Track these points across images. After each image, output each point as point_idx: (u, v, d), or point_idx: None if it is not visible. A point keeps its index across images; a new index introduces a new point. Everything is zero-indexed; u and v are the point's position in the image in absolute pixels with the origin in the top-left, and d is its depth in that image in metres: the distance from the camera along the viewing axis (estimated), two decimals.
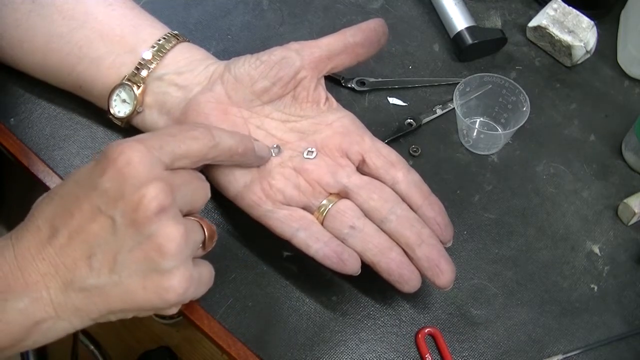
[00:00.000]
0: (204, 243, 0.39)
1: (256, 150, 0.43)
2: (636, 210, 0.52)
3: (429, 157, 0.55)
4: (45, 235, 0.35)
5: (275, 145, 0.46)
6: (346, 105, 0.50)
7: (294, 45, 0.46)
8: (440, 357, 0.46)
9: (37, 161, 0.50)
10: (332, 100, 0.49)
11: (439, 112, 0.57)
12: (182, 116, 0.45)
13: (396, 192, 0.45)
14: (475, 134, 0.55)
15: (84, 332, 1.06)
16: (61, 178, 0.49)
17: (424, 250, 0.43)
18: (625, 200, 0.53)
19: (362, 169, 0.46)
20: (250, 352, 0.44)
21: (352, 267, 0.42)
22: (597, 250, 0.52)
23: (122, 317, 0.37)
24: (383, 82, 0.58)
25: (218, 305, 0.46)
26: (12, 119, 0.51)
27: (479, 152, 0.55)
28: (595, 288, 0.50)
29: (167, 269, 0.35)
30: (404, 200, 0.45)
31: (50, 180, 0.49)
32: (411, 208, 0.45)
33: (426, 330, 0.46)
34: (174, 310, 0.39)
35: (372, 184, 0.45)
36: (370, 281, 0.47)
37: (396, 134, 0.55)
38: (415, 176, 0.46)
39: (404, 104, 0.57)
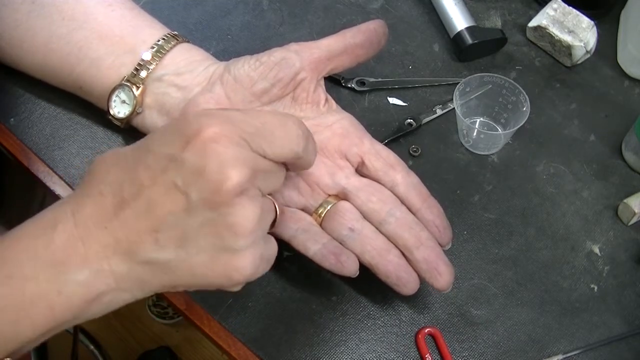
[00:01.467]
0: (274, 221, 0.38)
1: (312, 160, 0.41)
2: (636, 210, 0.52)
3: (429, 157, 0.55)
4: (110, 204, 0.33)
5: None
6: (346, 105, 0.50)
7: (293, 46, 0.46)
8: (440, 357, 0.46)
9: (37, 161, 0.50)
10: (332, 101, 0.49)
11: (439, 112, 0.57)
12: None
13: (395, 195, 0.45)
14: (475, 134, 0.55)
15: (84, 332, 1.06)
16: (61, 178, 0.49)
17: (422, 253, 0.43)
18: (625, 200, 0.53)
19: (361, 170, 0.46)
20: (250, 352, 0.44)
21: (350, 268, 0.42)
22: (597, 250, 0.52)
23: (185, 289, 0.36)
24: (383, 82, 0.58)
25: (218, 305, 0.46)
26: (12, 119, 0.51)
27: (479, 152, 0.56)
28: (595, 288, 0.50)
29: (239, 249, 0.34)
30: (402, 202, 0.45)
31: (50, 180, 0.49)
32: (410, 210, 0.45)
33: (426, 330, 0.46)
34: (238, 288, 0.37)
35: (371, 186, 0.45)
36: (370, 281, 0.47)
37: (396, 134, 0.55)
38: (414, 178, 0.46)
39: (404, 104, 0.57)
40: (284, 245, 0.46)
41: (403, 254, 0.43)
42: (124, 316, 1.30)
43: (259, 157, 0.35)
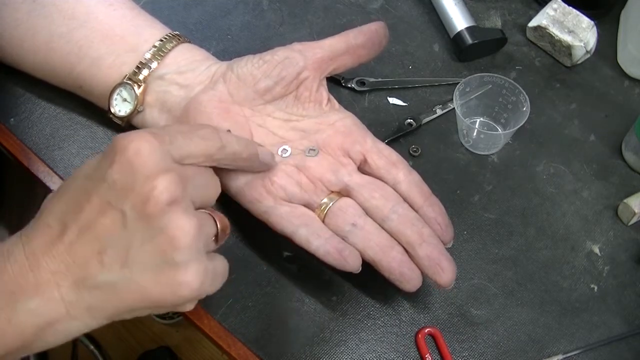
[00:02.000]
0: (216, 236, 0.39)
1: (260, 156, 0.43)
2: (636, 210, 0.52)
3: (429, 157, 0.55)
4: (55, 233, 0.34)
5: (283, 147, 0.46)
6: (346, 105, 0.50)
7: (297, 45, 0.47)
8: (440, 357, 0.46)
9: (37, 161, 0.50)
10: (334, 101, 0.49)
11: (439, 112, 0.57)
12: (184, 115, 0.46)
13: (397, 192, 0.45)
14: (475, 134, 0.55)
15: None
16: (61, 178, 0.49)
17: (425, 249, 0.43)
18: (625, 200, 0.53)
19: (363, 168, 0.47)
20: (250, 352, 0.44)
21: (353, 264, 0.42)
22: (597, 250, 0.52)
23: (138, 314, 0.36)
24: (383, 82, 0.58)
25: (218, 305, 0.46)
26: (12, 119, 0.51)
27: (479, 152, 0.55)
28: (595, 288, 0.50)
29: (181, 263, 0.34)
30: (405, 200, 0.45)
31: (50, 180, 0.49)
32: (412, 208, 0.45)
33: (426, 330, 0.46)
34: (190, 307, 0.37)
35: (374, 183, 0.45)
36: (370, 281, 0.47)
37: (396, 134, 0.55)
38: (416, 176, 0.46)
39: (404, 104, 0.57)
40: (284, 245, 0.46)
41: (406, 251, 0.43)
42: None
43: (183, 165, 0.36)
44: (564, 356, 0.47)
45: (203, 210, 0.38)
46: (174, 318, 1.29)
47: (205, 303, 0.46)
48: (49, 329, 0.34)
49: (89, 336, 1.06)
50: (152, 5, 0.59)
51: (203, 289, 0.35)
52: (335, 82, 0.57)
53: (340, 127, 0.47)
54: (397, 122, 0.56)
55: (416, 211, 0.45)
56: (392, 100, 0.57)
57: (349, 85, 0.57)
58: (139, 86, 0.46)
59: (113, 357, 1.11)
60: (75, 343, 0.87)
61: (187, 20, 0.59)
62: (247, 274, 0.47)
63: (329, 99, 0.49)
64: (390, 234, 0.44)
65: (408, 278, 0.43)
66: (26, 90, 0.52)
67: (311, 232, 0.43)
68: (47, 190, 0.50)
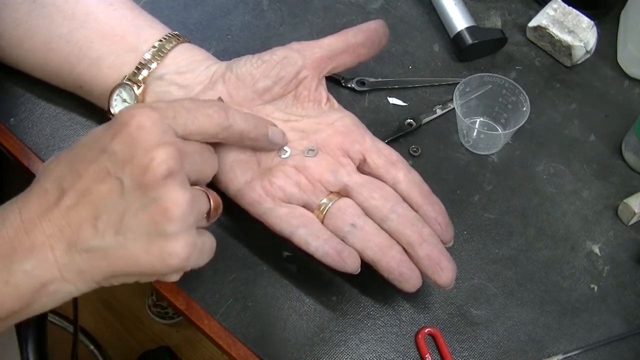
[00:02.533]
0: (208, 214, 0.40)
1: (270, 135, 0.44)
2: (636, 210, 0.52)
3: (429, 157, 0.55)
4: (53, 197, 0.36)
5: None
6: (346, 105, 0.50)
7: (295, 45, 0.47)
8: (440, 357, 0.46)
9: (37, 161, 0.50)
10: (333, 100, 0.49)
11: (439, 112, 0.57)
12: None
13: (397, 192, 0.45)
14: (475, 134, 0.55)
15: (84, 332, 1.06)
16: None
17: (425, 249, 0.43)
18: (625, 200, 0.53)
19: (362, 168, 0.47)
20: (250, 352, 0.44)
21: (352, 265, 0.42)
22: (597, 250, 0.52)
23: (125, 281, 0.37)
24: (383, 82, 0.58)
25: (218, 305, 0.46)
26: (12, 119, 0.51)
27: (479, 152, 0.56)
28: (595, 288, 0.50)
29: (171, 234, 0.35)
30: (404, 200, 0.45)
31: None
32: (412, 208, 0.45)
33: (426, 330, 0.46)
34: (175, 278, 0.39)
35: (373, 183, 0.45)
36: (370, 281, 0.47)
37: (396, 134, 0.55)
38: (415, 176, 0.46)
39: (404, 104, 0.57)
40: (283, 245, 0.46)
41: (405, 251, 0.43)
42: (124, 316, 1.30)
43: (184, 140, 0.38)
44: (564, 356, 0.47)
45: (198, 188, 0.39)
46: (174, 318, 1.29)
47: (205, 303, 0.46)
48: (43, 290, 0.35)
49: (89, 336, 1.06)
50: (152, 5, 0.59)
51: (190, 261, 0.37)
52: (335, 82, 0.57)
53: (340, 127, 0.47)
54: (397, 122, 0.56)
55: (416, 211, 0.45)
56: (392, 100, 0.57)
57: (349, 85, 0.57)
58: (139, 87, 0.46)
59: (113, 357, 1.11)
60: (75, 342, 0.87)
61: (187, 20, 0.59)
62: (247, 274, 0.47)
63: (328, 98, 0.48)
64: (390, 234, 0.44)
65: (407, 278, 0.43)
66: (26, 90, 0.52)
67: (310, 233, 0.43)
68: None
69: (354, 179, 0.45)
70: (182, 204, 0.35)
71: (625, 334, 0.48)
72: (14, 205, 0.36)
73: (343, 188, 0.45)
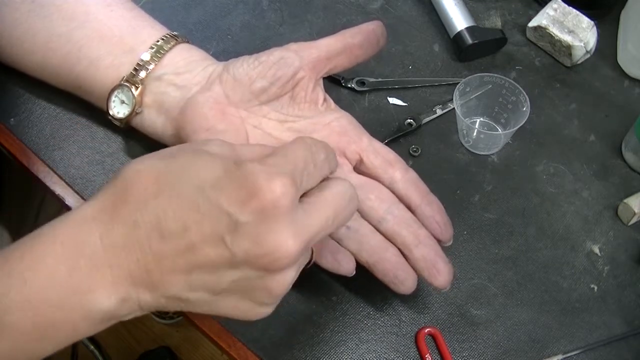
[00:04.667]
0: (309, 260, 0.39)
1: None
2: (636, 210, 0.52)
3: (429, 157, 0.55)
4: (145, 237, 0.32)
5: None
6: (346, 105, 0.50)
7: (292, 46, 0.46)
8: (440, 357, 0.46)
9: (37, 161, 0.50)
10: (330, 101, 0.49)
11: (439, 112, 0.57)
12: (180, 115, 0.45)
13: (394, 192, 0.45)
14: (475, 134, 0.55)
15: None
16: (61, 178, 0.49)
17: (421, 251, 0.43)
18: (625, 200, 0.53)
19: (359, 168, 0.46)
20: (250, 352, 0.44)
21: (347, 267, 0.42)
22: (597, 250, 0.52)
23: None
24: (383, 82, 0.58)
25: None
26: (12, 119, 0.51)
27: (479, 152, 0.55)
28: (595, 288, 0.50)
29: (266, 304, 0.35)
30: (402, 199, 0.45)
31: (50, 180, 0.49)
32: (409, 207, 0.45)
33: (426, 330, 0.46)
34: None
35: (370, 184, 0.45)
36: (370, 281, 0.47)
37: (396, 134, 0.55)
38: (413, 175, 0.46)
39: (404, 104, 0.57)
40: None
41: (402, 253, 0.43)
42: None
43: (312, 218, 0.34)
44: (564, 356, 0.47)
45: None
46: (174, 318, 1.29)
47: None
48: (117, 319, 0.34)
49: (89, 336, 1.06)
50: (152, 5, 0.59)
51: None
52: (335, 82, 0.57)
53: (336, 127, 0.47)
54: (397, 122, 0.56)
55: (413, 210, 0.45)
56: (392, 100, 0.57)
57: (349, 85, 0.57)
58: (137, 88, 0.46)
59: (113, 357, 1.11)
60: (75, 343, 0.87)
61: (187, 20, 0.59)
62: None
63: (325, 99, 0.48)
64: (386, 236, 0.44)
65: (402, 280, 0.43)
66: (26, 90, 0.52)
67: None
68: (46, 190, 0.50)
69: (350, 180, 0.45)
70: (289, 285, 0.34)
71: (625, 334, 0.48)
72: (94, 231, 0.32)
73: None
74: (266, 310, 0.35)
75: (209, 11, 0.61)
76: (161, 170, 0.33)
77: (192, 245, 0.31)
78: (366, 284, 0.47)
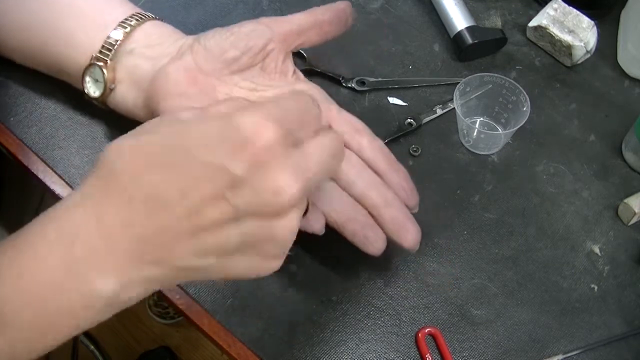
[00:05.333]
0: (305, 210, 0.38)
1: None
2: (636, 210, 0.52)
3: (429, 157, 0.55)
4: (142, 210, 0.30)
5: None
6: (346, 105, 0.50)
7: (264, 19, 0.47)
8: (440, 357, 0.46)
9: (37, 160, 0.50)
10: (300, 74, 0.50)
11: (439, 112, 0.57)
12: (151, 86, 0.46)
13: (362, 159, 0.46)
14: (475, 133, 0.55)
15: (84, 332, 1.06)
16: (61, 177, 0.49)
17: (390, 212, 0.43)
18: (625, 200, 0.53)
19: None
20: (250, 352, 0.44)
21: (317, 226, 0.43)
22: (597, 250, 0.52)
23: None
24: (383, 82, 0.58)
25: (218, 305, 0.46)
26: (12, 119, 0.51)
27: (479, 152, 0.55)
28: (595, 288, 0.50)
29: (275, 255, 0.34)
30: (369, 166, 0.46)
31: (50, 179, 0.49)
32: (377, 174, 0.45)
33: (426, 330, 0.46)
34: None
35: None
36: (370, 281, 0.47)
37: (396, 134, 0.55)
38: (380, 143, 0.47)
39: (404, 103, 0.57)
40: None
41: (371, 215, 0.44)
42: (124, 316, 1.30)
43: (309, 159, 0.33)
44: (564, 356, 0.47)
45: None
46: (174, 318, 1.29)
47: (206, 303, 0.46)
48: (120, 304, 0.32)
49: (89, 336, 1.06)
50: (152, 5, 0.59)
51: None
52: (335, 82, 0.57)
53: None
54: (397, 122, 0.56)
55: (381, 176, 0.45)
56: (392, 100, 0.57)
57: (349, 85, 0.57)
58: (106, 64, 0.46)
59: (113, 357, 1.11)
60: (75, 342, 0.87)
61: (187, 20, 0.59)
62: None
63: (294, 72, 0.49)
64: (355, 199, 0.44)
65: (372, 240, 0.43)
66: (26, 89, 0.52)
67: None
68: (45, 189, 0.50)
69: None
70: (295, 230, 0.34)
71: (625, 334, 0.48)
72: (89, 213, 0.30)
73: None
74: (276, 264, 0.35)
75: (209, 11, 0.61)
76: (145, 145, 0.31)
77: (194, 209, 0.30)
78: (366, 284, 0.47)
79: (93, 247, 0.30)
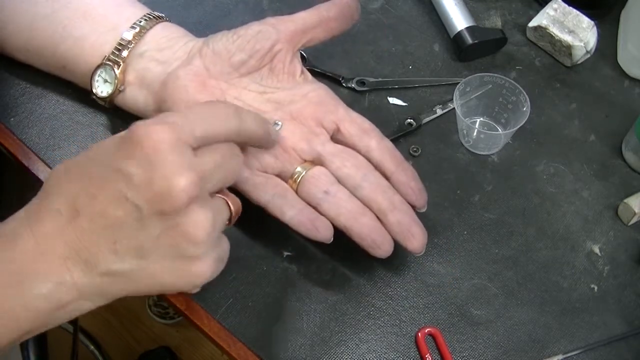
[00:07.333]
0: (229, 219, 0.40)
1: (272, 134, 0.44)
2: (636, 210, 0.52)
3: (429, 157, 0.55)
4: (66, 218, 0.34)
5: (277, 122, 0.46)
6: (346, 105, 0.50)
7: (270, 19, 0.47)
8: (440, 357, 0.46)
9: (37, 161, 0.50)
10: (308, 73, 0.50)
11: (439, 112, 0.57)
12: (161, 89, 0.46)
13: (370, 160, 0.46)
14: (475, 134, 0.55)
15: (84, 332, 1.06)
16: None
17: (396, 216, 0.44)
18: (625, 200, 0.53)
19: (336, 137, 0.47)
20: (250, 352, 0.44)
21: (325, 233, 0.43)
22: (597, 250, 0.52)
23: (148, 294, 0.38)
24: (383, 82, 0.58)
25: (218, 305, 0.46)
26: (12, 119, 0.51)
27: (479, 152, 0.55)
28: (595, 288, 0.50)
29: (196, 256, 0.35)
30: (377, 167, 0.46)
31: None
32: (385, 175, 0.46)
33: (426, 330, 0.46)
34: (196, 290, 0.40)
35: (346, 152, 0.46)
36: (370, 281, 0.47)
37: (396, 134, 0.55)
38: (388, 143, 0.47)
39: (404, 104, 0.57)
40: (284, 245, 0.46)
41: (378, 218, 0.44)
42: (124, 316, 1.30)
43: (203, 155, 0.36)
44: (564, 356, 0.47)
45: (218, 195, 0.39)
46: (174, 318, 1.29)
47: (205, 303, 0.46)
48: (61, 310, 0.35)
49: (89, 336, 1.06)
50: (152, 4, 0.59)
51: (213, 276, 0.38)
52: (335, 82, 0.57)
53: (313, 98, 0.48)
54: (397, 122, 0.56)
55: (389, 177, 0.45)
56: (392, 100, 0.57)
57: (349, 85, 0.57)
58: (119, 66, 0.46)
59: (113, 357, 1.11)
60: (75, 342, 0.87)
61: (187, 20, 0.59)
62: (247, 274, 0.47)
63: (302, 71, 0.49)
64: (362, 202, 0.44)
65: (379, 244, 0.43)
66: (26, 89, 0.52)
67: (285, 202, 0.44)
68: None
69: (327, 148, 0.46)
70: (205, 226, 0.35)
71: (625, 334, 0.48)
72: (25, 223, 0.35)
73: (317, 157, 0.46)
74: (202, 267, 0.36)
75: (209, 11, 0.61)
76: (72, 161, 0.36)
77: (103, 212, 0.34)
78: (366, 284, 0.47)
79: (30, 255, 0.34)
